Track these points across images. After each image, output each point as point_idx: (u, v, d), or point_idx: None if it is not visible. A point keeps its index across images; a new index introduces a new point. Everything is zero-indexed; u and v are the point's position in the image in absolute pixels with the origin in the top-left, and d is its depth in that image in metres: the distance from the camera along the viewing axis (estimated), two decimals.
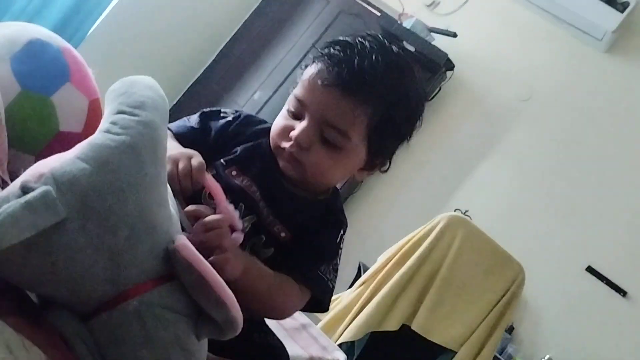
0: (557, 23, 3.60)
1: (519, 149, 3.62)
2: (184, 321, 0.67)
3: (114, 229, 0.62)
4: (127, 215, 0.63)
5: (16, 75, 0.87)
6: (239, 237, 0.86)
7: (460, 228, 2.46)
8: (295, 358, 1.19)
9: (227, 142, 1.05)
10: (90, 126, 0.92)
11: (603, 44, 3.49)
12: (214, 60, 4.06)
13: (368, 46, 0.97)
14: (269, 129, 1.04)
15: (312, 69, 0.99)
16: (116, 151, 0.63)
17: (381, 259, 2.56)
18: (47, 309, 0.66)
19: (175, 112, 1.07)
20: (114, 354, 0.65)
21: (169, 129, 1.02)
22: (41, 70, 0.90)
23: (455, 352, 2.38)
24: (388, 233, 3.25)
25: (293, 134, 0.97)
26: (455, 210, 3.20)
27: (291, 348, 1.11)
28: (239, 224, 0.87)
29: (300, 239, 1.01)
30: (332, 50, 0.98)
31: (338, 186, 1.13)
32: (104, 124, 0.67)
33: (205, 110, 1.10)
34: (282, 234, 1.00)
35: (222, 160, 1.02)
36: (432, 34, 3.61)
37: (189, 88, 4.02)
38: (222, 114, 1.08)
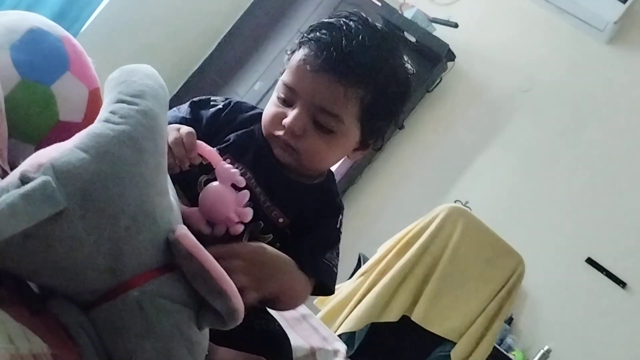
0: (558, 14, 3.58)
1: (519, 140, 3.61)
2: (185, 311, 0.67)
3: (114, 219, 0.62)
4: (127, 205, 0.63)
5: (16, 64, 0.87)
6: (247, 211, 0.87)
7: (461, 219, 2.46)
8: (295, 348, 1.19)
9: (219, 130, 1.05)
10: (90, 116, 0.91)
11: (605, 35, 3.47)
12: (214, 50, 4.05)
13: (353, 26, 0.97)
14: (260, 114, 1.04)
15: (299, 55, 0.98)
16: (116, 141, 0.63)
17: (381, 250, 2.56)
18: (49, 299, 0.66)
19: (175, 103, 1.06)
20: (115, 344, 0.65)
21: None
22: (41, 60, 0.90)
23: (455, 343, 2.38)
24: (388, 224, 3.25)
25: (286, 122, 0.97)
26: (455, 202, 3.20)
27: (291, 338, 1.10)
28: (240, 180, 0.87)
29: (300, 227, 1.01)
30: (317, 34, 0.97)
31: (337, 177, 1.13)
32: (103, 113, 0.66)
33: (194, 99, 1.09)
34: (280, 220, 1.00)
35: (215, 149, 1.02)
36: (433, 24, 3.59)
37: (189, 78, 4.00)
38: (212, 102, 1.08)
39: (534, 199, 3.47)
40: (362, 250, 3.17)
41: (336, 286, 1.05)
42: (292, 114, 0.97)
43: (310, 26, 1.01)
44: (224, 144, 1.03)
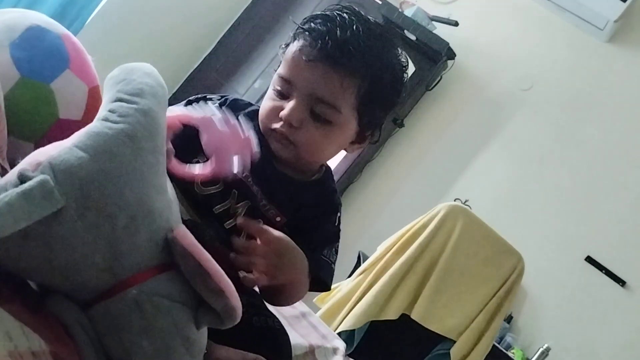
0: (559, 12, 3.58)
1: (519, 139, 3.61)
2: (183, 310, 0.67)
3: (112, 217, 0.62)
4: (126, 204, 0.63)
5: (15, 62, 0.87)
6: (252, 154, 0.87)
7: (460, 217, 2.46)
8: (294, 346, 1.19)
9: None
10: (90, 113, 0.92)
11: (605, 34, 3.47)
12: (214, 48, 4.04)
13: (347, 18, 0.97)
14: (256, 111, 1.04)
15: (294, 46, 0.99)
16: (114, 139, 0.63)
17: (381, 248, 2.56)
18: (47, 297, 0.66)
19: (175, 101, 1.06)
20: (114, 342, 0.65)
21: None
22: (40, 57, 0.90)
23: (454, 341, 2.38)
24: (388, 222, 3.25)
25: (283, 113, 0.97)
26: (455, 200, 3.20)
27: (291, 336, 1.10)
28: (217, 113, 0.87)
29: (298, 225, 1.01)
30: (312, 25, 0.98)
31: (337, 175, 1.12)
32: (102, 111, 0.66)
33: (191, 98, 1.09)
34: (277, 218, 1.00)
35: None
36: (433, 22, 3.59)
37: (188, 77, 4.00)
38: (208, 100, 1.08)
39: (534, 198, 3.47)
40: (361, 249, 3.17)
41: (336, 284, 1.05)
42: (289, 105, 0.97)
43: (305, 18, 1.01)
44: None
